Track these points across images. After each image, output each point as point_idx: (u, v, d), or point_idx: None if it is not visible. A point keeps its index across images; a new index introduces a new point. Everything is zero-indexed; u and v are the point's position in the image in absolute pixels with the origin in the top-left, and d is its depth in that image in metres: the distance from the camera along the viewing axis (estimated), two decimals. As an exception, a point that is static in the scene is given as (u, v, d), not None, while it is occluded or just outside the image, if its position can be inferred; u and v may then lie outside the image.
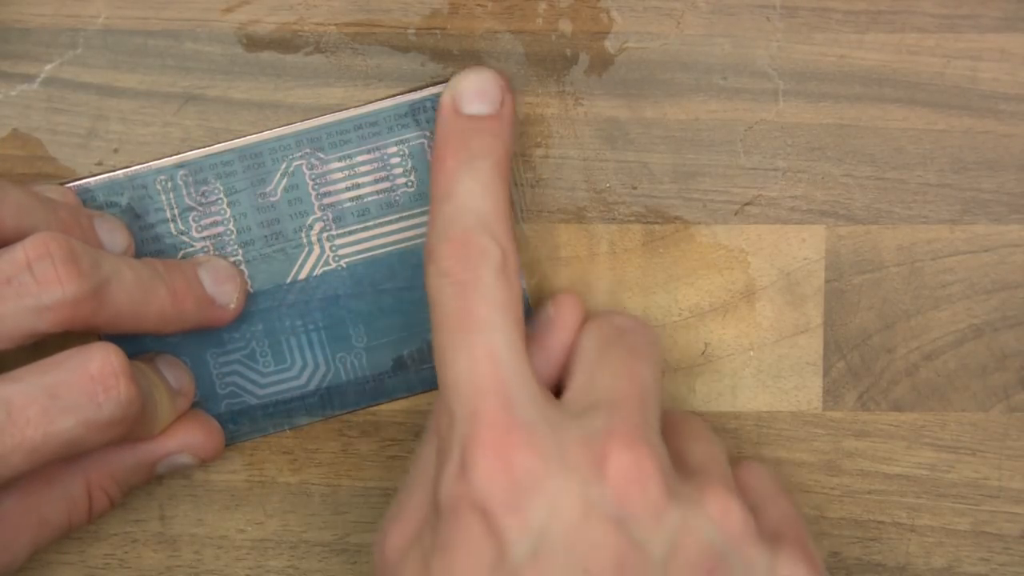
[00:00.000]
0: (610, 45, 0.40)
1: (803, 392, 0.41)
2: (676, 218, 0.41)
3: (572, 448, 0.34)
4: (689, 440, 0.38)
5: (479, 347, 0.34)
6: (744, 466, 0.39)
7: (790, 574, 0.35)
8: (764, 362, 0.41)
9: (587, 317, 0.39)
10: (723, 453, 0.38)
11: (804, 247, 0.40)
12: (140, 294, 0.36)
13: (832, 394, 0.41)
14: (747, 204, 0.40)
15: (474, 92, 0.38)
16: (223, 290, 0.39)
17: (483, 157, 0.37)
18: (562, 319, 0.38)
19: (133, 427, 0.36)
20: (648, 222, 0.41)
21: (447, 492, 0.34)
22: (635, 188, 0.40)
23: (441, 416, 0.35)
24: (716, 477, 0.36)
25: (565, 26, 0.40)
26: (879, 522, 0.41)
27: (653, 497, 0.34)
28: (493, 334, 0.35)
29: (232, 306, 0.39)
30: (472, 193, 0.36)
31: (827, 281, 0.40)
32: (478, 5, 0.40)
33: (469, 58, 0.40)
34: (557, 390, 0.37)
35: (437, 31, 0.40)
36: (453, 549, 0.33)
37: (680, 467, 0.36)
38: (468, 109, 0.38)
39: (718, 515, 0.34)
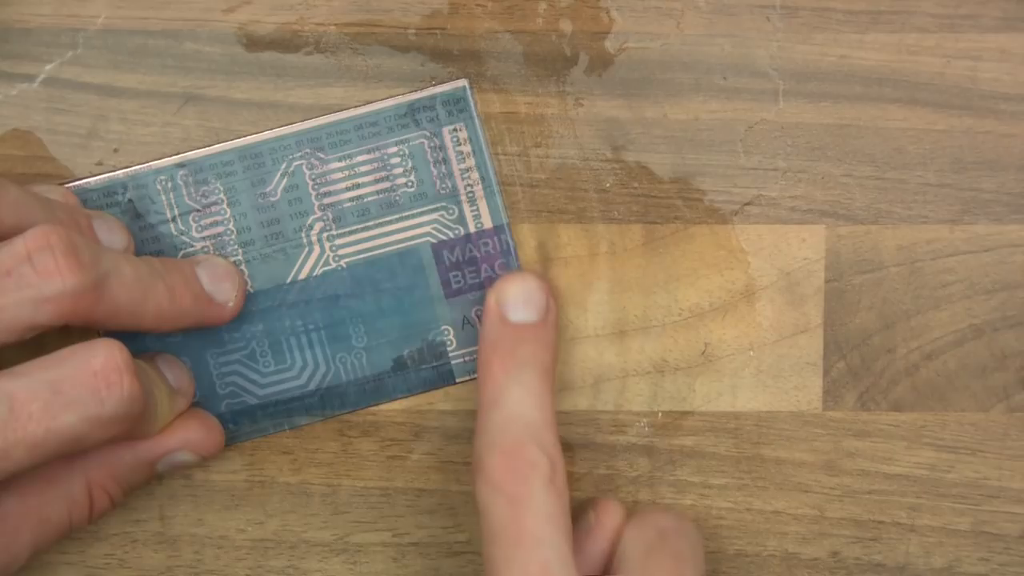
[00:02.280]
0: (610, 45, 0.40)
1: (803, 392, 0.41)
2: (676, 218, 0.41)
3: None
4: None
5: (532, 563, 0.34)
6: None
7: None
8: (764, 362, 0.41)
9: (628, 518, 0.39)
10: None
11: (804, 247, 0.40)
12: (139, 290, 0.36)
13: (832, 394, 0.41)
14: (747, 204, 0.40)
15: (520, 300, 0.38)
16: (221, 288, 0.39)
17: (530, 365, 0.37)
18: (603, 525, 0.38)
19: (134, 425, 0.36)
20: (648, 222, 0.41)
21: None
22: (635, 188, 0.40)
23: None
24: None
25: (565, 26, 0.40)
26: (879, 522, 0.41)
27: None
28: (545, 550, 0.35)
29: (230, 304, 0.39)
30: (521, 402, 0.36)
31: (827, 281, 0.40)
32: (478, 5, 0.40)
33: (469, 58, 0.40)
34: None
35: (437, 31, 0.40)
36: None
37: None
38: (515, 317, 0.38)
39: None
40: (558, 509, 0.35)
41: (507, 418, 0.36)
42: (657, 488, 0.41)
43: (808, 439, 0.41)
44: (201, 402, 0.40)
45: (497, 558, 0.35)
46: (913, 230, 0.40)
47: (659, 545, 0.37)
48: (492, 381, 0.37)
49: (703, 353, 0.41)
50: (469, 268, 0.40)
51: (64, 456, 0.35)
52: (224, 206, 0.40)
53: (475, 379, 0.40)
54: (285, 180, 0.40)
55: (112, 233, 0.38)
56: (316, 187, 0.40)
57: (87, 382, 0.34)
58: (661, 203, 0.40)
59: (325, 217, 0.40)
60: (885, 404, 0.41)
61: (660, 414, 0.41)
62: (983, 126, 0.40)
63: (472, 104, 0.40)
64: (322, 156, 0.40)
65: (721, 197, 0.40)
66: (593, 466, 0.41)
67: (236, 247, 0.40)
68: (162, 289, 0.37)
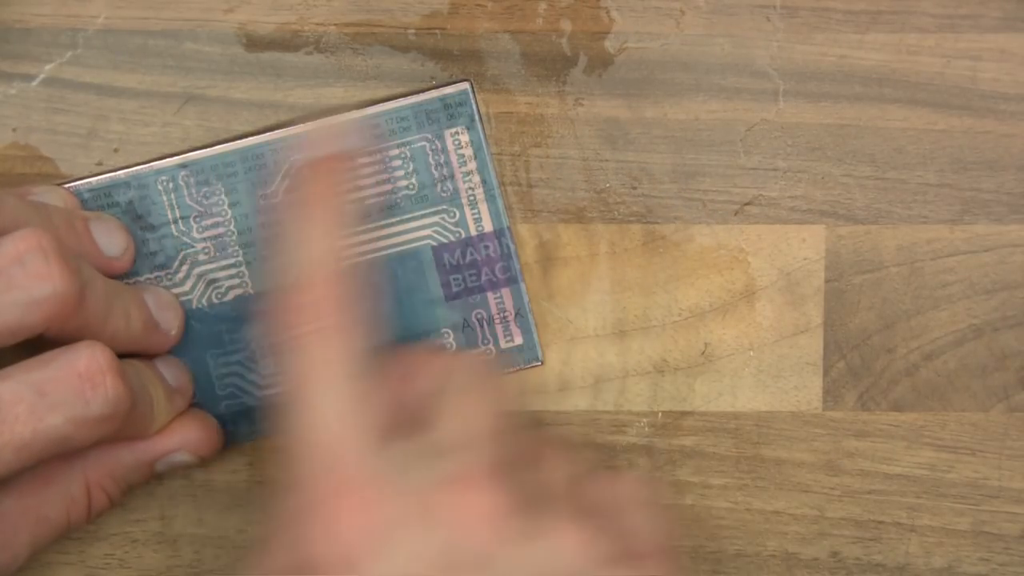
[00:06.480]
0: (610, 45, 0.40)
1: (803, 392, 0.41)
2: (676, 218, 0.41)
3: (427, 491, 0.33)
4: (547, 459, 0.37)
5: (328, 398, 0.34)
6: (609, 478, 0.38)
7: None
8: (764, 362, 0.41)
9: (438, 363, 0.38)
10: (581, 466, 0.37)
11: (804, 247, 0.41)
12: (105, 306, 0.36)
13: (832, 394, 0.41)
14: (747, 204, 0.40)
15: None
16: (165, 316, 0.39)
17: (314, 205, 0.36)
18: (413, 365, 0.37)
19: (126, 424, 0.36)
20: (648, 222, 0.41)
21: (308, 550, 0.33)
22: (635, 188, 0.40)
23: (293, 472, 0.34)
24: (571, 501, 0.35)
25: (565, 26, 0.40)
26: (879, 522, 0.41)
27: (509, 535, 0.33)
28: (337, 385, 0.34)
29: (173, 333, 0.39)
30: (307, 242, 0.35)
31: (827, 281, 0.41)
32: (478, 5, 0.40)
33: (469, 58, 0.40)
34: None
35: (437, 31, 0.40)
36: None
37: (537, 490, 0.35)
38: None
39: (573, 544, 0.34)
40: (347, 347, 0.35)
41: (295, 258, 0.35)
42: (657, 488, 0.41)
43: (808, 439, 0.41)
44: (200, 403, 0.40)
45: (288, 399, 0.34)
46: (913, 230, 0.41)
47: (465, 380, 0.37)
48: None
49: (703, 353, 0.41)
50: (469, 271, 0.40)
51: (52, 457, 0.35)
52: (225, 207, 0.40)
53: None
54: (287, 182, 0.40)
55: (111, 234, 0.38)
56: (317, 188, 0.40)
57: (72, 383, 0.34)
58: (661, 203, 0.40)
59: (326, 219, 0.40)
60: (885, 404, 0.41)
61: (660, 414, 0.41)
62: (983, 126, 0.40)
63: (474, 107, 0.40)
64: (323, 158, 0.40)
65: (721, 197, 0.40)
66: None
67: (237, 248, 0.40)
68: (121, 310, 0.37)
